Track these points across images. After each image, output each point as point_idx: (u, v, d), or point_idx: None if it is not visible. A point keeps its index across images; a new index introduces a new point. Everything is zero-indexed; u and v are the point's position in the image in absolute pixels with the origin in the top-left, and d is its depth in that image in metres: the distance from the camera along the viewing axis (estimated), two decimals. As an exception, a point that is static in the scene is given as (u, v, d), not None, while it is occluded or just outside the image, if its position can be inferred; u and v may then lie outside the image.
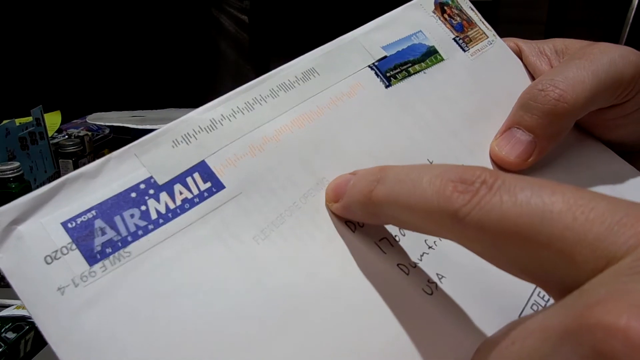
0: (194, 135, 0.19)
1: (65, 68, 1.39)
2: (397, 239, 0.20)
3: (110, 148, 0.81)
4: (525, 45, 0.29)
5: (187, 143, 0.19)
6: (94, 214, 0.16)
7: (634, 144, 0.28)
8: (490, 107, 0.26)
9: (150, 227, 0.17)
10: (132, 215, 0.17)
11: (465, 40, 0.27)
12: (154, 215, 0.17)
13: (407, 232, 0.20)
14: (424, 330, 0.18)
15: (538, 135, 0.24)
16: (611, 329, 0.10)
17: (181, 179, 0.18)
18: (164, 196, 0.18)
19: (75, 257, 0.15)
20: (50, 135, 0.70)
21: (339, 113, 0.22)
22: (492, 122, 0.26)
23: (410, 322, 0.18)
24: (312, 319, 0.17)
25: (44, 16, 1.37)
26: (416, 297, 0.19)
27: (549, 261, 0.13)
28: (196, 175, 0.18)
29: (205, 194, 0.18)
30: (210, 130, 0.20)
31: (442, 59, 0.26)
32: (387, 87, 0.24)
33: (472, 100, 0.26)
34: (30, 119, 0.65)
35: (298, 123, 0.21)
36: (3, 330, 0.33)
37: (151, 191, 0.18)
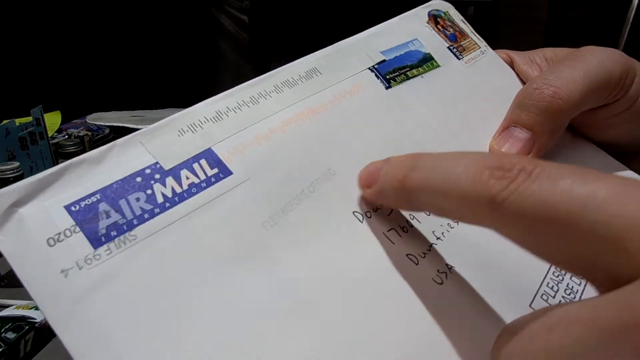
0: (199, 125, 0.19)
1: (65, 68, 1.39)
2: (405, 230, 0.20)
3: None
4: (516, 55, 0.30)
5: (192, 132, 0.19)
6: (98, 197, 0.16)
7: (625, 144, 0.29)
8: (487, 110, 0.27)
9: (157, 210, 0.17)
10: (137, 199, 0.17)
11: (459, 49, 0.29)
12: (160, 199, 0.17)
13: (415, 223, 0.21)
14: (434, 319, 0.18)
15: (536, 132, 0.25)
16: None
17: (187, 164, 0.18)
18: (170, 181, 0.17)
19: (79, 240, 0.15)
20: (50, 135, 0.70)
21: (342, 109, 0.23)
22: (489, 124, 0.26)
23: (421, 311, 0.18)
24: (320, 307, 0.17)
25: (44, 16, 1.37)
26: (426, 287, 0.19)
27: (593, 250, 0.13)
28: (203, 162, 0.18)
29: (213, 179, 0.18)
30: (216, 120, 0.20)
31: (438, 65, 0.27)
32: (387, 88, 0.25)
33: (469, 103, 0.27)
34: (30, 119, 0.65)
35: (303, 116, 0.22)
36: (3, 330, 0.33)
37: (157, 176, 0.17)
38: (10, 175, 0.54)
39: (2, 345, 0.32)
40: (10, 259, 0.14)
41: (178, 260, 0.16)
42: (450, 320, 0.18)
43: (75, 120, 0.91)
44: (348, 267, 0.18)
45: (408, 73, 0.26)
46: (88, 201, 0.16)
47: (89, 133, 0.78)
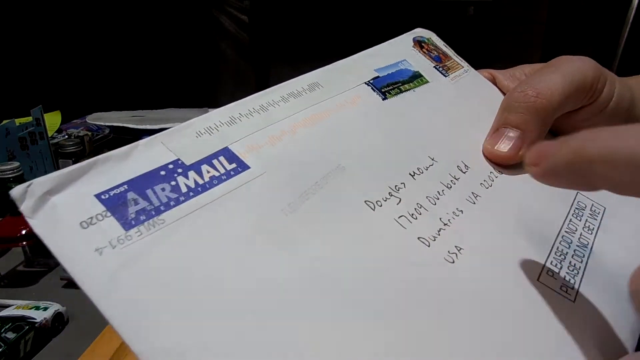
0: (216, 128, 0.21)
1: (65, 68, 1.39)
2: (414, 217, 0.22)
3: (110, 148, 0.81)
4: (498, 72, 0.33)
5: (209, 134, 0.21)
6: (126, 187, 0.17)
7: None
8: (475, 118, 0.30)
9: (182, 198, 0.18)
10: (162, 189, 0.18)
11: (444, 68, 0.32)
12: (184, 189, 0.18)
13: (422, 211, 0.23)
14: (448, 293, 0.19)
15: (524, 130, 0.28)
16: None
17: (207, 160, 0.20)
18: (192, 174, 0.19)
19: (111, 223, 0.16)
20: (50, 135, 0.70)
21: (344, 115, 0.25)
22: (478, 129, 0.29)
23: (436, 285, 0.20)
24: (339, 283, 0.18)
25: (44, 16, 1.37)
26: (439, 265, 0.20)
27: None
28: (221, 158, 0.20)
29: (232, 173, 0.20)
30: (230, 124, 0.22)
31: (427, 81, 0.30)
32: (383, 99, 0.27)
33: (458, 112, 0.30)
34: (30, 119, 0.65)
35: (309, 121, 0.24)
36: (3, 330, 0.33)
37: (179, 170, 0.19)
38: (10, 175, 0.54)
39: (2, 345, 0.32)
40: (45, 240, 0.15)
41: (204, 241, 0.17)
42: (463, 294, 0.20)
43: (75, 120, 0.91)
44: (364, 248, 0.20)
45: (401, 87, 0.29)
46: (116, 191, 0.17)
47: (89, 133, 0.78)
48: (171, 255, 0.16)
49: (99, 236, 0.16)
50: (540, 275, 0.22)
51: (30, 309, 0.36)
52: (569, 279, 0.22)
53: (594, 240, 0.25)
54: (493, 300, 0.20)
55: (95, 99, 1.15)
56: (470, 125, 0.29)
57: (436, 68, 0.32)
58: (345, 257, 0.19)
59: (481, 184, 0.26)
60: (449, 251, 0.21)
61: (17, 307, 0.37)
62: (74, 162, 0.78)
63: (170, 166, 0.19)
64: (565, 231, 0.25)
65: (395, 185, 0.23)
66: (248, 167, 0.20)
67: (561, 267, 0.22)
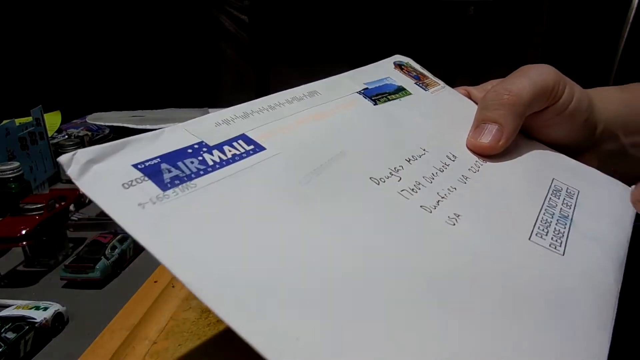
0: (232, 120, 0.24)
1: (65, 68, 1.39)
2: (414, 191, 0.25)
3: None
4: (472, 88, 0.39)
5: (227, 124, 0.24)
6: (159, 160, 0.20)
7: (565, 142, 0.37)
8: (455, 122, 0.34)
9: (209, 169, 0.21)
10: (191, 162, 0.21)
11: (424, 84, 0.37)
12: (210, 163, 0.21)
13: (421, 187, 0.26)
14: (454, 249, 0.23)
15: (501, 124, 0.32)
16: None
17: (228, 142, 0.23)
18: (215, 152, 0.22)
19: (149, 185, 0.19)
20: (50, 135, 0.70)
21: (342, 115, 0.29)
22: (461, 130, 0.34)
23: (444, 243, 0.23)
24: (355, 237, 0.21)
25: (44, 16, 1.37)
26: (442, 227, 0.24)
27: None
28: (240, 141, 0.23)
29: (251, 152, 0.23)
30: (244, 118, 0.25)
31: (410, 93, 0.35)
32: (374, 105, 0.32)
33: (440, 116, 0.35)
34: (30, 119, 0.65)
35: (314, 118, 0.28)
36: (3, 330, 0.33)
37: (204, 149, 0.22)
38: (10, 175, 0.54)
39: (2, 345, 0.32)
40: (92, 197, 0.18)
41: (233, 199, 0.20)
42: (467, 249, 0.23)
43: (75, 120, 0.91)
44: (375, 213, 0.23)
45: (388, 97, 0.33)
46: (151, 162, 0.20)
47: (89, 133, 0.78)
48: (203, 210, 0.19)
49: (140, 194, 0.18)
50: (530, 236, 0.25)
51: (30, 309, 0.36)
52: (556, 240, 0.26)
53: (573, 213, 0.29)
54: (493, 255, 0.23)
55: (95, 99, 1.15)
56: (452, 126, 0.34)
57: (417, 84, 0.37)
58: (358, 218, 0.22)
59: (469, 169, 0.30)
60: (449, 216, 0.24)
61: (17, 307, 0.37)
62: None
63: (196, 146, 0.22)
64: (547, 207, 0.28)
65: (395, 167, 0.27)
66: (264, 149, 0.24)
67: (547, 232, 0.26)
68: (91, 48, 1.45)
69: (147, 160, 0.20)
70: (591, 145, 0.38)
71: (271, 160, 0.23)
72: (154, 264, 0.41)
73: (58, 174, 0.69)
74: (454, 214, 0.25)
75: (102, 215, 0.59)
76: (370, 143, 0.28)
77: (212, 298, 0.16)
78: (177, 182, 0.20)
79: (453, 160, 0.30)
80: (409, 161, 0.28)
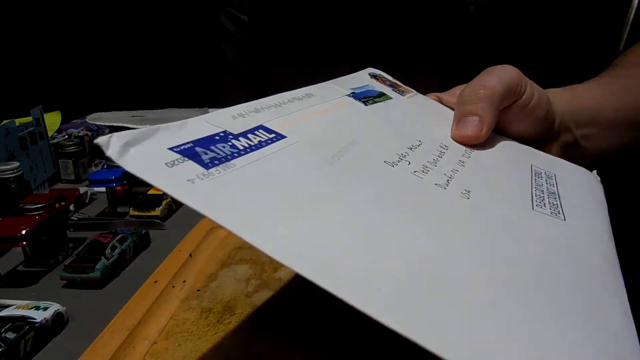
0: (247, 114, 0.26)
1: (65, 68, 1.39)
2: (426, 172, 0.28)
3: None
4: (442, 94, 0.43)
5: (243, 117, 0.25)
6: (192, 144, 0.21)
7: (531, 135, 0.40)
8: (434, 121, 0.38)
9: (242, 152, 0.22)
10: (223, 147, 0.22)
11: (400, 91, 0.41)
12: (240, 147, 0.22)
13: (431, 168, 0.29)
14: (471, 218, 0.25)
15: (481, 115, 0.35)
16: None
17: (250, 131, 0.24)
18: (242, 139, 0.23)
19: (192, 164, 0.20)
20: (50, 135, 0.70)
21: (344, 111, 0.32)
22: (443, 127, 0.37)
23: (460, 212, 0.25)
24: (381, 206, 0.23)
25: (44, 16, 1.37)
26: (459, 200, 0.26)
27: None
28: (261, 131, 0.25)
29: (274, 139, 0.24)
30: (257, 112, 0.26)
31: (391, 98, 0.39)
32: (365, 105, 0.35)
33: (423, 116, 0.38)
34: (30, 119, 0.65)
35: (319, 113, 0.30)
36: (3, 330, 0.33)
37: (230, 136, 0.23)
38: (10, 175, 0.54)
39: (2, 345, 0.32)
40: (141, 175, 0.18)
41: (280, 177, 0.21)
42: (486, 217, 0.25)
43: (75, 120, 0.91)
44: (394, 188, 0.25)
45: (374, 100, 0.36)
46: (185, 146, 0.21)
47: (89, 133, 0.78)
48: (258, 181, 0.20)
49: (186, 171, 0.19)
50: (533, 207, 0.28)
51: (30, 309, 0.36)
52: (553, 209, 0.28)
53: (558, 190, 0.32)
54: (512, 221, 0.26)
55: (95, 99, 1.15)
56: (434, 124, 0.37)
57: (394, 90, 0.41)
58: (381, 189, 0.24)
59: (462, 155, 0.33)
60: (461, 192, 0.27)
61: (17, 307, 0.37)
62: (74, 162, 0.77)
63: (222, 134, 0.23)
64: (535, 186, 0.31)
65: (402, 153, 0.29)
66: (285, 137, 0.25)
67: (545, 204, 0.29)
68: (91, 48, 1.45)
69: (181, 145, 0.21)
70: (550, 138, 0.42)
71: (293, 147, 0.24)
72: (154, 264, 0.41)
73: (58, 174, 0.69)
74: (465, 189, 0.27)
75: (102, 215, 0.59)
76: (373, 134, 0.31)
77: (291, 259, 0.17)
78: (216, 162, 0.20)
79: (446, 150, 0.33)
80: (411, 149, 0.30)
